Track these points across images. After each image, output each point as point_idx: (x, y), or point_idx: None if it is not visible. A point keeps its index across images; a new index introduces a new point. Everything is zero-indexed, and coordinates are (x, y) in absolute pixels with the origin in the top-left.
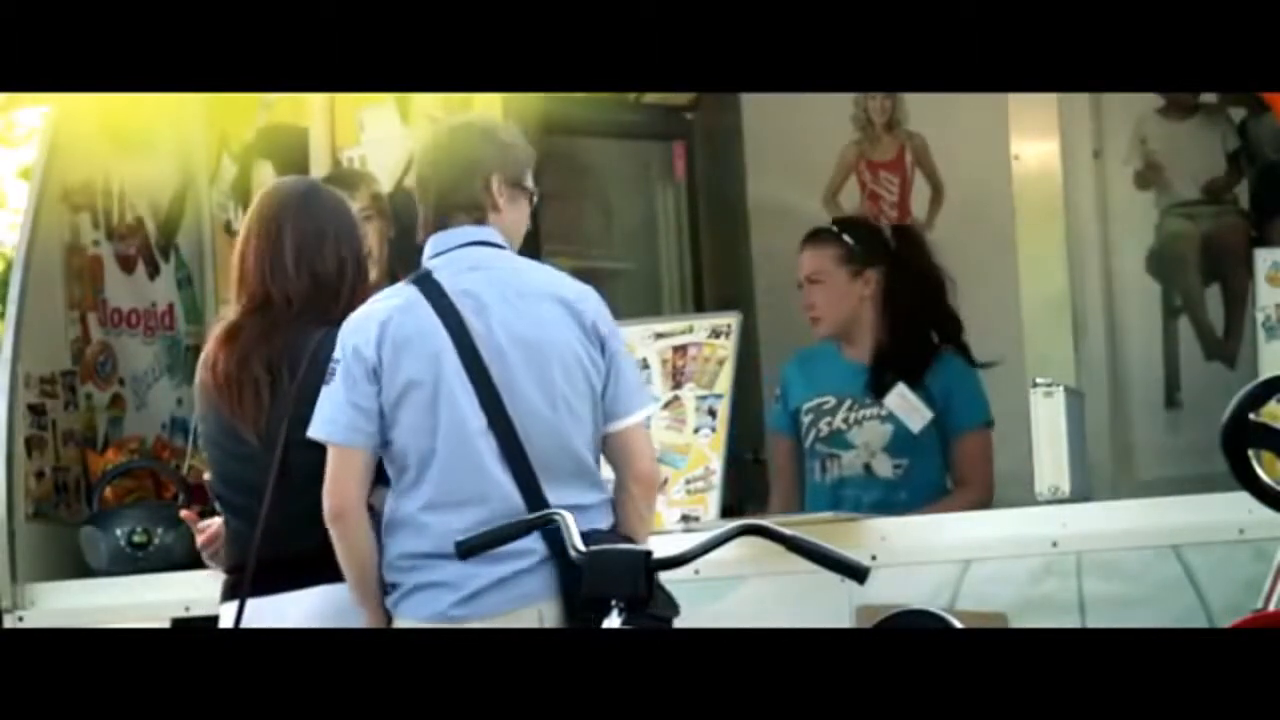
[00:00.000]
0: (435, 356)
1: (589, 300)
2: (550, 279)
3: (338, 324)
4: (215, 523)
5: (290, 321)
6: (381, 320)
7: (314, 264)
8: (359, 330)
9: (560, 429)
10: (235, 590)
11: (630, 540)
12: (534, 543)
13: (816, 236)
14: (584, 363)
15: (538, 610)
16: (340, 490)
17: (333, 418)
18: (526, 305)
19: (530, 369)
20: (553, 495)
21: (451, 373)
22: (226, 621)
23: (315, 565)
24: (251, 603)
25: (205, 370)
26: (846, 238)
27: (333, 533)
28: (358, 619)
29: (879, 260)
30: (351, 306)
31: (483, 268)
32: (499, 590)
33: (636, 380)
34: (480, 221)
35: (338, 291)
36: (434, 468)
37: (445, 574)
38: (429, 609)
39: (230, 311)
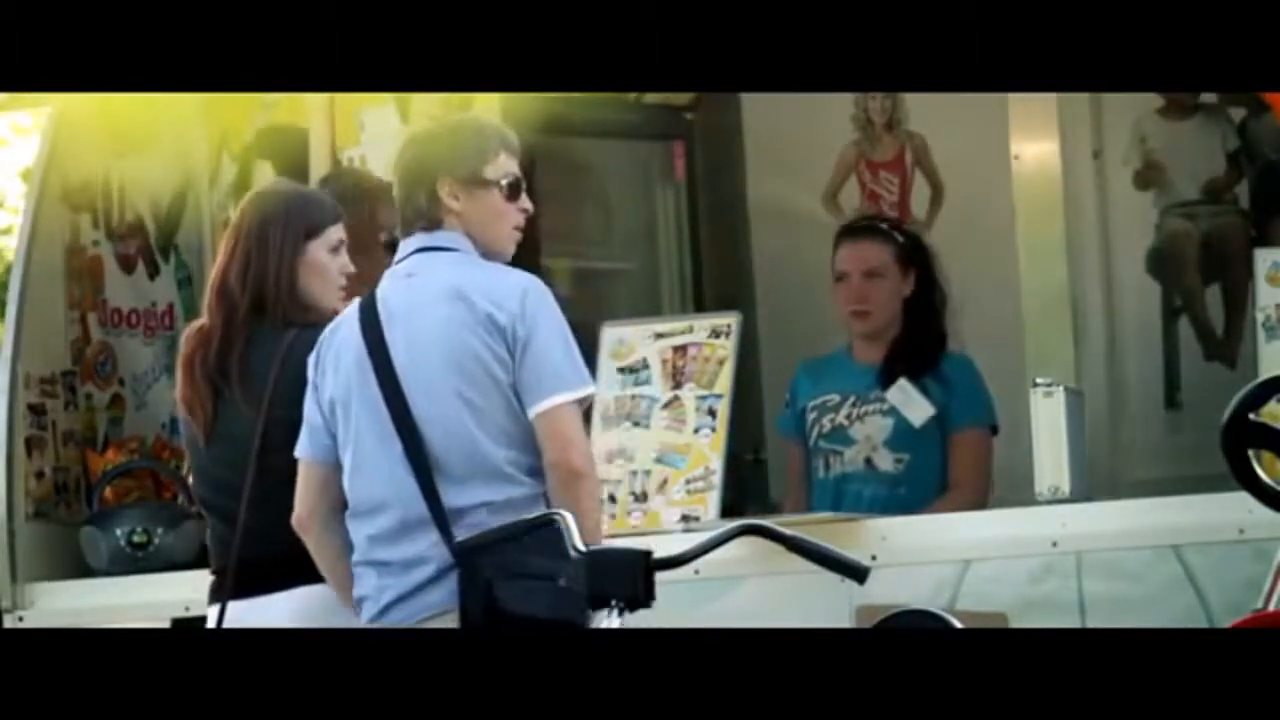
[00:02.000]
0: (350, 370)
1: (494, 292)
2: (467, 278)
3: (307, 327)
4: None
5: (259, 325)
6: (322, 338)
7: (281, 269)
8: (314, 347)
9: (460, 429)
10: (219, 592)
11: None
12: (431, 551)
13: (869, 231)
14: (481, 356)
15: (443, 620)
16: (300, 500)
17: (300, 432)
18: (430, 308)
19: (427, 372)
20: (451, 496)
21: (363, 384)
22: (212, 623)
23: (296, 566)
24: (235, 604)
25: (179, 373)
26: (898, 235)
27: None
28: (341, 619)
29: (918, 261)
30: (322, 309)
31: (418, 274)
32: (406, 603)
33: (556, 365)
34: (430, 228)
35: (309, 295)
36: (350, 477)
37: (366, 587)
38: (363, 620)
39: (202, 315)
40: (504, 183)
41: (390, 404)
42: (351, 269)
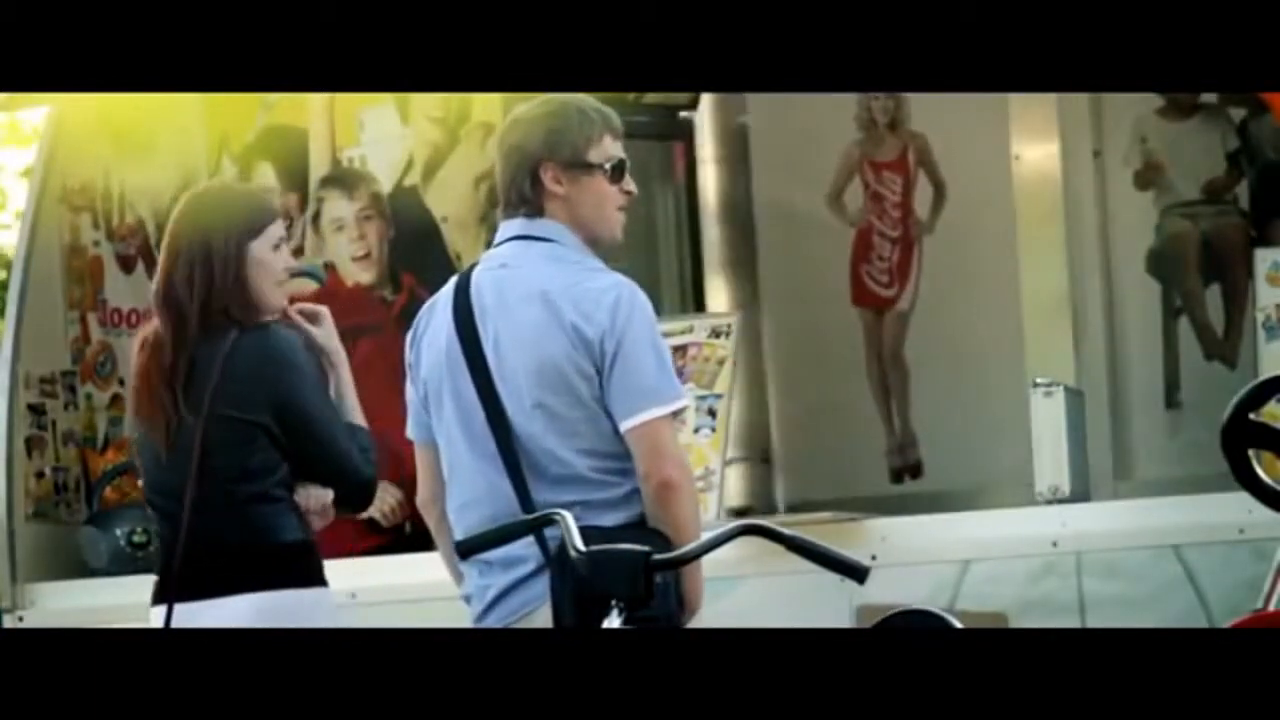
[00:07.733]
0: (441, 358)
1: (581, 301)
2: (557, 281)
3: (251, 327)
4: None
5: (201, 326)
6: (419, 316)
7: (228, 273)
8: (411, 325)
9: (543, 436)
10: (163, 595)
11: (665, 537)
12: (528, 550)
13: None
14: (565, 369)
15: (542, 613)
16: (420, 484)
17: (408, 413)
18: (518, 309)
19: (513, 375)
20: (544, 493)
21: (454, 375)
22: (157, 625)
23: (240, 571)
24: (181, 607)
25: (135, 384)
26: None
27: None
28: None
29: None
30: (268, 307)
31: (511, 265)
32: (508, 599)
33: (647, 378)
34: (534, 214)
35: (255, 296)
36: (451, 468)
37: (469, 585)
38: (470, 618)
39: (150, 318)
40: (608, 166)
41: (483, 400)
42: (294, 264)
